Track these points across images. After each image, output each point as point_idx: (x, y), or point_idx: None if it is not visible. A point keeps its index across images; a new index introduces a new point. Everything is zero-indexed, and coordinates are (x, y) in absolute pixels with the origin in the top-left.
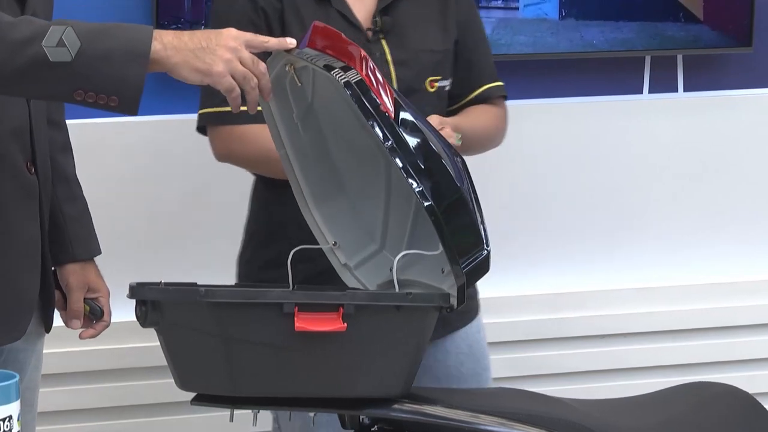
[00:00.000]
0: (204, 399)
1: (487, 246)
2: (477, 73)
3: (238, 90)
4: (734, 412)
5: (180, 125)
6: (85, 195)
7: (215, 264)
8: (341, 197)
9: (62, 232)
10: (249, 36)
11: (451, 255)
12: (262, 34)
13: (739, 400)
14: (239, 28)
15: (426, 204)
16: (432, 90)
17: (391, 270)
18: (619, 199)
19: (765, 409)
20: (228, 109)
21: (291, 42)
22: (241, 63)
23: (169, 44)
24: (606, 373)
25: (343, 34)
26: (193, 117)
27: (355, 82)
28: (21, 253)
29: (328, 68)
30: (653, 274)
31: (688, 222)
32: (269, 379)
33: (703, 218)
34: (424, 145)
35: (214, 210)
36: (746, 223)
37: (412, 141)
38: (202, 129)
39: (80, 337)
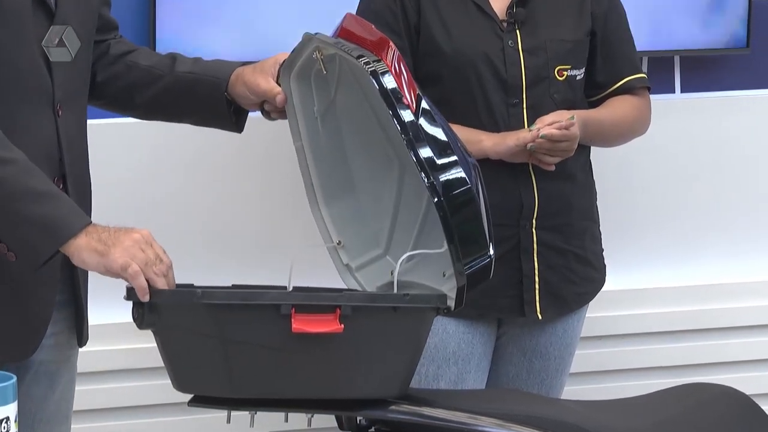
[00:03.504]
0: (201, 400)
1: (491, 253)
2: (619, 65)
3: (136, 269)
4: (731, 414)
5: (181, 126)
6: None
7: (213, 265)
8: (351, 198)
9: (197, 81)
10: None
11: (456, 253)
12: (398, 22)
13: (737, 401)
14: (378, 14)
15: (436, 200)
16: (561, 78)
17: (392, 273)
18: (615, 200)
19: (762, 410)
20: None
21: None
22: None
23: (93, 230)
24: (603, 374)
25: (374, 26)
26: None
27: (381, 72)
28: (38, 272)
29: (357, 57)
30: (649, 275)
31: (685, 223)
32: (266, 380)
33: (699, 220)
34: (440, 142)
35: (213, 211)
36: (743, 225)
37: (429, 137)
38: None
39: None
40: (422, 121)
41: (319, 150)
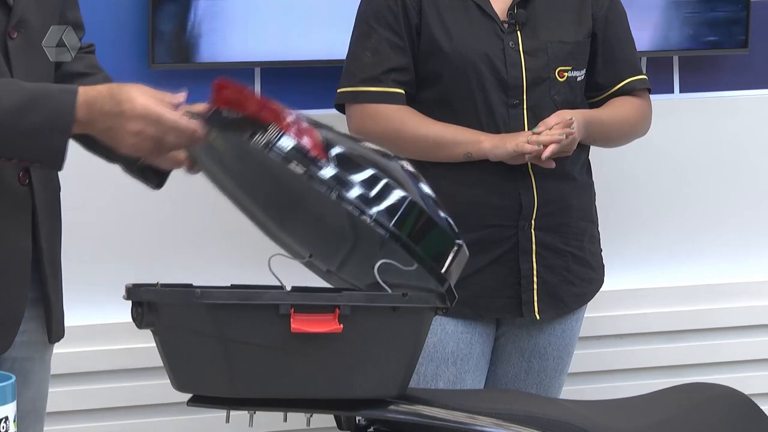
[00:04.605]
0: (200, 400)
1: (459, 240)
2: (620, 66)
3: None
4: (730, 414)
5: None
6: (82, 198)
7: (212, 265)
8: (302, 210)
9: None
10: (154, 113)
11: (429, 268)
12: (399, 22)
13: (735, 401)
14: (379, 14)
15: (387, 234)
16: (561, 79)
17: (373, 269)
18: (614, 200)
19: (761, 410)
20: (364, 88)
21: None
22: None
23: (86, 118)
24: (602, 374)
25: (248, 88)
26: None
27: (275, 140)
28: (9, 265)
29: (248, 134)
30: (648, 275)
31: (683, 223)
32: (265, 380)
33: (698, 220)
34: (366, 174)
35: (211, 211)
36: (742, 225)
37: (353, 176)
38: (340, 107)
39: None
40: (338, 167)
41: (251, 186)
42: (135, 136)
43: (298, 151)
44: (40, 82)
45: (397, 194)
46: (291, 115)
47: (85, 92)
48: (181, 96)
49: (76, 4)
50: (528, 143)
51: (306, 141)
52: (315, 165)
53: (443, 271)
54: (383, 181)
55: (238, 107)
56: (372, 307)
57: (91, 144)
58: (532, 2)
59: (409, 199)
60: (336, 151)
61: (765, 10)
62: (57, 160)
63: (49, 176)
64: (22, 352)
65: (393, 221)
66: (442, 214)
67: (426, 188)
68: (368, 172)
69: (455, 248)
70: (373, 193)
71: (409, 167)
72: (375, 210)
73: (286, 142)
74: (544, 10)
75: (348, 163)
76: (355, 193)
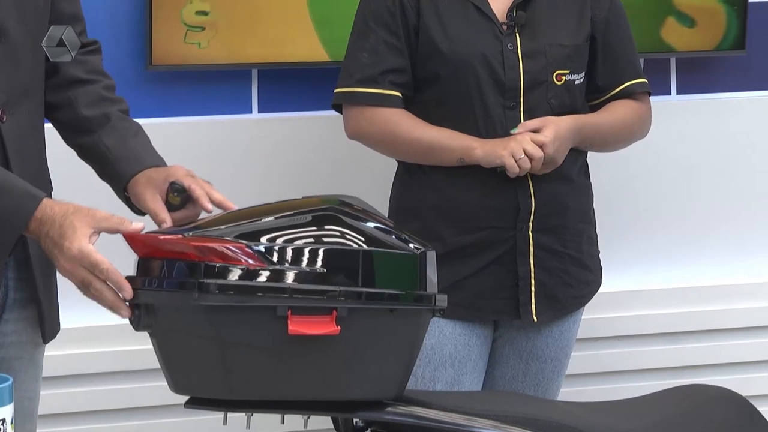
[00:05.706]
0: (197, 402)
1: (413, 248)
2: (620, 70)
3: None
4: (728, 415)
5: (180, 127)
6: (80, 198)
7: None
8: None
9: (108, 162)
10: (88, 260)
11: (413, 300)
12: (397, 22)
13: (733, 402)
14: (377, 14)
15: (367, 298)
16: (559, 83)
17: None
18: (612, 201)
19: (759, 412)
20: (361, 89)
21: (137, 227)
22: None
23: (35, 232)
24: (600, 376)
25: (156, 236)
26: (190, 120)
27: (214, 285)
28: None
29: (189, 292)
30: (646, 277)
31: (681, 225)
32: (263, 382)
33: (695, 221)
34: (310, 254)
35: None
36: (740, 226)
37: (300, 269)
38: (337, 107)
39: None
40: (284, 262)
41: None
42: (65, 271)
43: (245, 275)
44: (25, 92)
45: (346, 255)
46: (210, 242)
47: (44, 209)
48: (138, 225)
49: None
50: (512, 157)
51: (238, 256)
52: (263, 282)
53: (426, 290)
54: (326, 251)
55: (157, 254)
56: (369, 309)
57: (84, 155)
58: (531, 4)
59: (355, 252)
60: (267, 247)
61: (763, 12)
62: (1, 252)
63: (41, 182)
64: (11, 352)
65: (359, 281)
66: (395, 238)
67: (370, 223)
68: (310, 250)
69: (416, 256)
70: (327, 270)
71: (341, 207)
72: (336, 282)
73: (228, 277)
74: (543, 12)
75: (292, 256)
76: (314, 285)
